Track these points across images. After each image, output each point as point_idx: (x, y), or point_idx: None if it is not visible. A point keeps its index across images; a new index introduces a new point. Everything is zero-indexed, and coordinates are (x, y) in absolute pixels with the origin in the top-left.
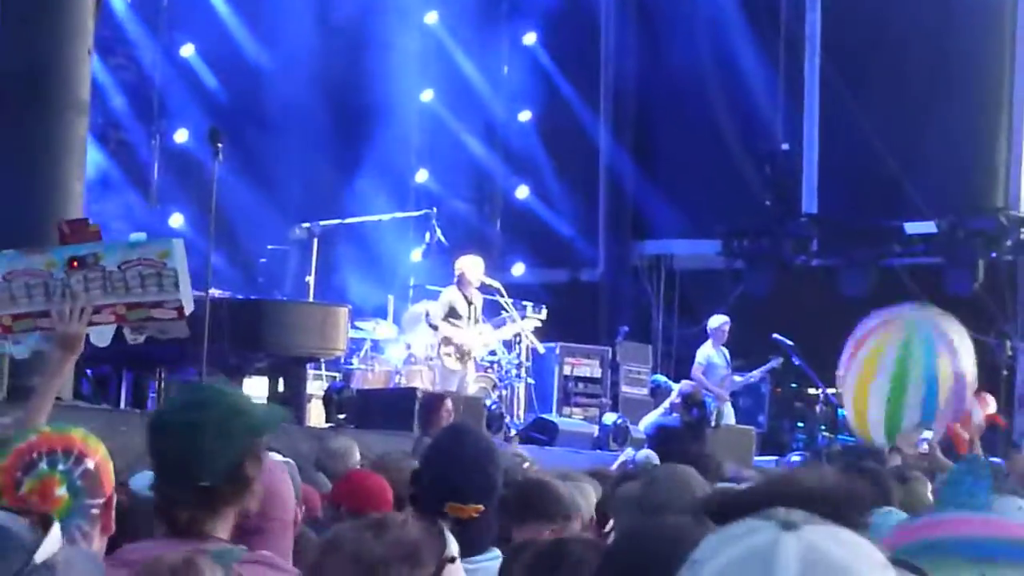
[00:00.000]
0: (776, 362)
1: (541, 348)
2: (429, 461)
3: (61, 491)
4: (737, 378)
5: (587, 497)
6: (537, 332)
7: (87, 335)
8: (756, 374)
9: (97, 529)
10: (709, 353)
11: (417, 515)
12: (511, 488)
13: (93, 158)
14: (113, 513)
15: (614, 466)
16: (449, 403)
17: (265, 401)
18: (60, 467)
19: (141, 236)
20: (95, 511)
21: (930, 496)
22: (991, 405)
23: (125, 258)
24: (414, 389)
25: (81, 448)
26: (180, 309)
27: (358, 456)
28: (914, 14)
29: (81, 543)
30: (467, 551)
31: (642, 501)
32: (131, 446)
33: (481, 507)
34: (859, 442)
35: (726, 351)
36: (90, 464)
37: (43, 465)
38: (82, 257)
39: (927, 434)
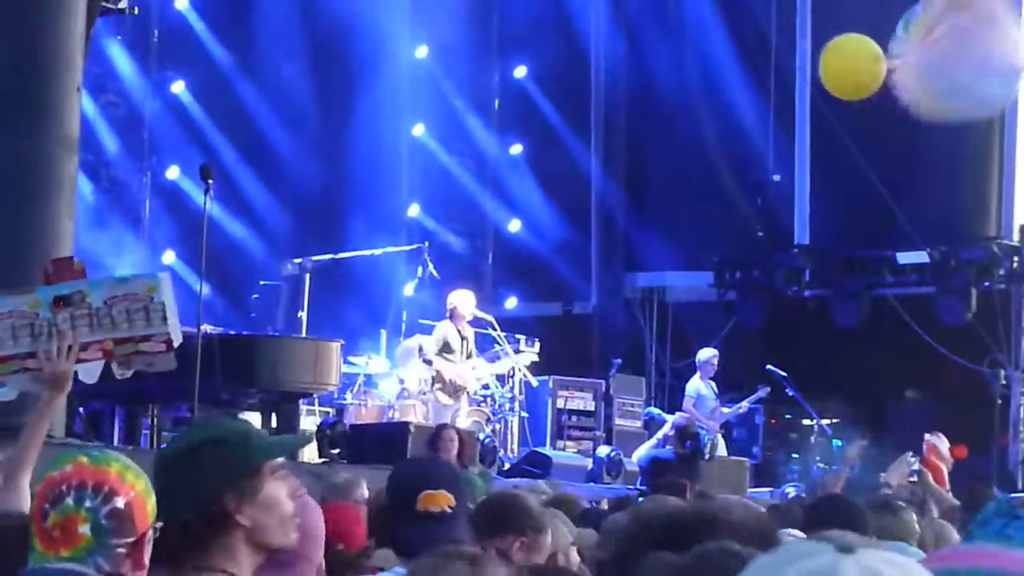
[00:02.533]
0: (763, 391)
1: (534, 381)
2: (399, 463)
3: (84, 529)
4: (725, 409)
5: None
6: (531, 365)
7: (75, 372)
8: (744, 405)
9: (126, 567)
10: (698, 386)
11: (388, 518)
12: (481, 503)
13: (84, 195)
14: (147, 549)
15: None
16: (452, 432)
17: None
18: (87, 504)
19: (127, 272)
20: (121, 550)
21: (917, 526)
22: (944, 442)
23: (111, 294)
24: (407, 423)
25: (114, 484)
26: (168, 342)
27: (364, 490)
28: None
29: None
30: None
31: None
32: None
33: (452, 498)
34: (853, 474)
35: (714, 384)
36: (120, 502)
37: (69, 500)
38: (67, 296)
39: (916, 465)
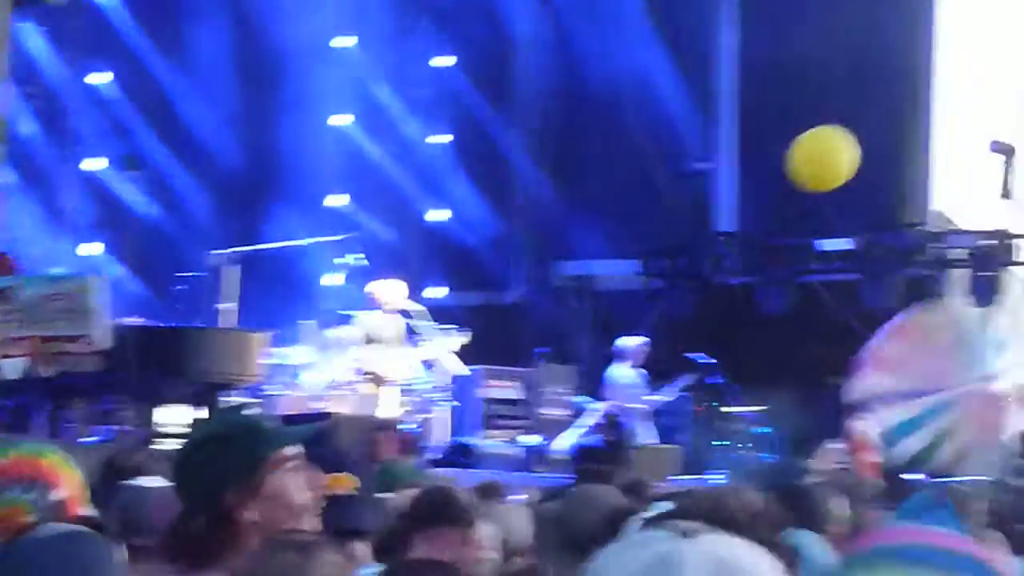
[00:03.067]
0: (691, 379)
1: (466, 370)
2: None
3: (28, 519)
4: (653, 397)
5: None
6: (458, 354)
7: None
8: (670, 392)
9: None
10: (626, 373)
11: None
12: (415, 496)
13: (6, 186)
14: None
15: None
16: (391, 430)
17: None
18: (28, 495)
19: (61, 271)
20: None
21: (842, 511)
22: (872, 427)
23: (43, 292)
24: (333, 413)
25: (52, 476)
26: (96, 344)
27: None
28: (830, 31)
29: None
30: (347, 532)
31: (560, 520)
32: None
33: (357, 481)
34: (779, 460)
35: (641, 371)
36: (60, 493)
37: (11, 492)
38: None
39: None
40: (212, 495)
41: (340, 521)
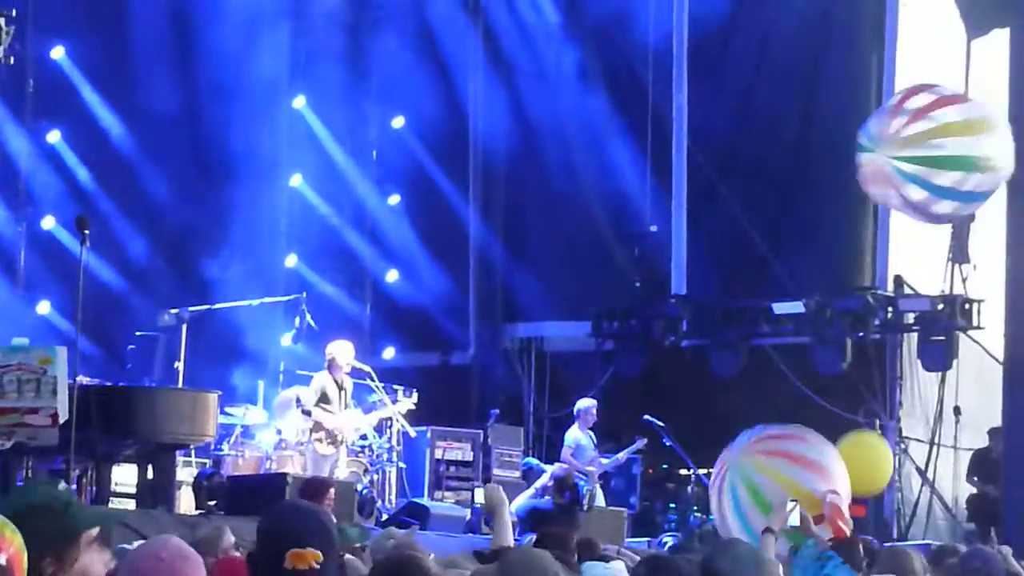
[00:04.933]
0: (641, 442)
1: (412, 432)
2: (267, 514)
3: None
4: (604, 460)
5: None
6: (408, 415)
7: None
8: (622, 455)
9: None
10: (577, 436)
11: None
12: (380, 562)
13: None
14: None
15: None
16: (332, 492)
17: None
18: None
19: (23, 341)
20: None
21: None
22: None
23: (4, 363)
24: (285, 474)
25: None
26: (55, 416)
27: (232, 540)
28: (780, 95)
29: None
30: None
31: None
32: None
33: (320, 555)
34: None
35: (592, 433)
36: (2, 559)
37: None
38: None
39: (796, 509)
40: (30, 562)
41: None
